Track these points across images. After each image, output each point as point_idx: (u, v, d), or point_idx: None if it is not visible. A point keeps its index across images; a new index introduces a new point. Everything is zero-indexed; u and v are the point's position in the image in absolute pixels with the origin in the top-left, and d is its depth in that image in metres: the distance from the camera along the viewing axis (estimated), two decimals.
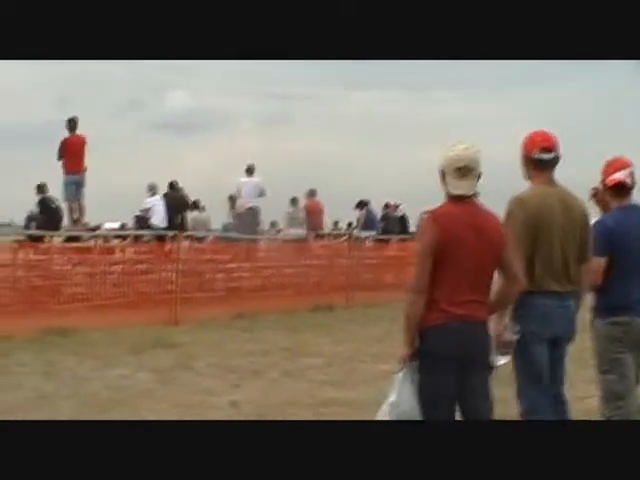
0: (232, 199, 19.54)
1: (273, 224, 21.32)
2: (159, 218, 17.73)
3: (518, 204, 5.27)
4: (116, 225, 22.48)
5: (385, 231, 21.83)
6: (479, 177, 4.65)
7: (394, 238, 21.68)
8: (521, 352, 5.22)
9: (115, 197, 20.56)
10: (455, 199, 4.61)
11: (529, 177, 5.45)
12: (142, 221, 18.07)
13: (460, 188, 4.59)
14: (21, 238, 16.00)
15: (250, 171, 18.89)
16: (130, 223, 19.36)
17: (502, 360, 5.09)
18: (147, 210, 17.97)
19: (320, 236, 21.36)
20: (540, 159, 5.36)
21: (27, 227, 17.15)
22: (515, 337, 5.20)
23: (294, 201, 20.63)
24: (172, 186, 18.76)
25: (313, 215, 20.74)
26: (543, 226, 5.22)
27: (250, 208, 18.72)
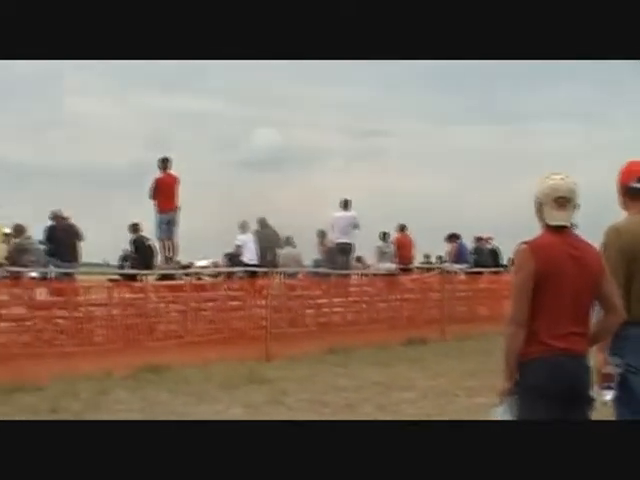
0: (322, 234, 19.56)
1: (359, 259, 21.25)
2: (251, 255, 17.85)
3: (614, 233, 5.18)
4: (207, 263, 22.70)
5: (477, 264, 21.59)
6: (576, 208, 4.59)
7: (486, 271, 21.43)
8: (620, 384, 5.08)
9: (207, 235, 20.78)
10: (552, 230, 4.56)
11: (625, 207, 5.36)
12: (234, 258, 18.21)
13: (558, 219, 4.55)
14: (116, 277, 16.30)
15: (345, 205, 18.87)
16: (222, 261, 19.51)
17: (608, 395, 4.97)
18: (239, 247, 18.11)
19: (411, 270, 21.25)
20: (636, 188, 5.26)
21: (121, 266, 17.44)
22: (616, 370, 5.06)
23: (384, 235, 20.60)
24: (263, 223, 18.87)
25: (403, 249, 20.67)
26: (639, 256, 5.10)
27: (341, 243, 18.70)
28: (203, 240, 20.93)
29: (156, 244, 16.59)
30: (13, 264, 14.16)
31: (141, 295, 14.46)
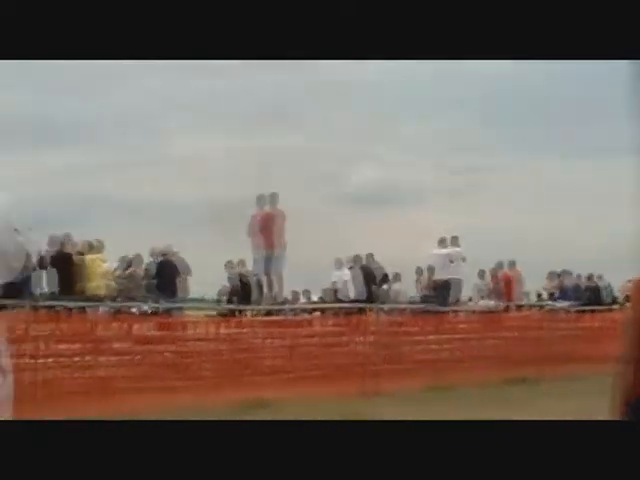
0: (422, 271, 19.57)
1: (457, 296, 21.11)
2: (355, 290, 17.92)
3: None
4: (310, 297, 22.82)
5: (581, 301, 21.23)
6: None
7: (589, 309, 21.04)
8: None
9: (310, 270, 20.96)
10: None
11: None
12: (336, 294, 18.32)
13: None
14: (221, 312, 16.56)
15: (444, 242, 18.86)
16: (325, 296, 19.63)
17: None
18: (343, 282, 18.20)
19: (515, 307, 21.01)
20: None
21: (227, 301, 17.72)
22: None
23: (481, 273, 20.53)
24: (366, 259, 18.96)
25: (508, 286, 20.47)
26: None
27: (441, 280, 18.65)
28: (306, 276, 21.10)
29: (260, 280, 16.78)
30: (121, 299, 14.56)
31: (245, 330, 14.66)
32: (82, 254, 14.34)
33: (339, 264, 18.45)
